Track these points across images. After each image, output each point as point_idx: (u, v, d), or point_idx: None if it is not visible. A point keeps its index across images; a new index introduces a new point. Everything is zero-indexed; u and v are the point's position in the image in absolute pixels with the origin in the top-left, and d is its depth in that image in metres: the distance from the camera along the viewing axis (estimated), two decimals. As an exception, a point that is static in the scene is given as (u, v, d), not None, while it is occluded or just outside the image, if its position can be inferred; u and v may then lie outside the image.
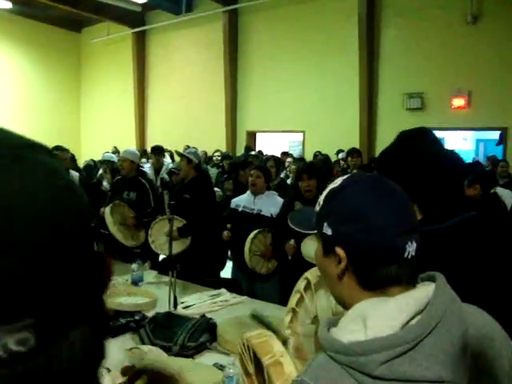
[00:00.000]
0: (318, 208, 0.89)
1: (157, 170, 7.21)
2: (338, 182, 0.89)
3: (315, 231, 0.89)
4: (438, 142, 1.52)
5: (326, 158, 7.69)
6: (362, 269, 0.82)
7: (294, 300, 1.97)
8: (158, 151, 7.43)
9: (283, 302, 3.21)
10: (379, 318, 0.75)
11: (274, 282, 3.98)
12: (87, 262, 0.40)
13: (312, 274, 1.90)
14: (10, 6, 13.23)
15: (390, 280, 0.80)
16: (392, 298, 0.78)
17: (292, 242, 3.57)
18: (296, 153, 11.36)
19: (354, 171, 5.91)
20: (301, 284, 1.96)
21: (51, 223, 0.37)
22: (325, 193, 0.90)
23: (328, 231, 0.84)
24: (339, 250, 0.82)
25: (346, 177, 0.89)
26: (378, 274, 0.80)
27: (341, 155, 8.56)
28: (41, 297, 0.35)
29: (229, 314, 3.02)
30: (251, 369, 1.74)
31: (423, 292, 0.79)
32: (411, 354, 0.71)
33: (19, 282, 0.34)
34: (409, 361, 0.71)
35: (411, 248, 0.80)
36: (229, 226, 4.25)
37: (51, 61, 16.19)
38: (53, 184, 0.39)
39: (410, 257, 0.80)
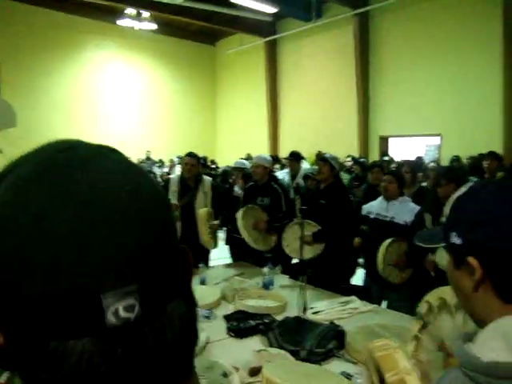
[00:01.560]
0: (444, 219, 0.83)
1: (293, 175, 7.29)
2: (463, 189, 0.82)
3: (443, 244, 0.83)
4: None
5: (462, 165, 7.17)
6: (500, 279, 0.74)
7: (416, 326, 1.85)
8: (295, 157, 7.52)
9: (415, 312, 3.05)
10: None
11: (406, 292, 3.80)
12: (177, 246, 0.44)
13: (433, 297, 1.78)
14: (155, 26, 14.45)
15: None
16: None
17: (432, 257, 3.38)
18: (430, 157, 10.76)
19: (495, 175, 5.43)
20: (422, 309, 1.83)
21: (163, 207, 0.43)
22: (451, 202, 0.83)
23: (457, 241, 0.78)
24: (472, 260, 0.75)
25: (471, 183, 0.82)
26: None
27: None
28: (144, 266, 0.39)
29: (358, 322, 2.95)
30: (375, 382, 1.66)
31: None
32: None
33: (131, 250, 0.38)
34: None
35: None
36: (364, 228, 4.15)
37: (189, 73, 17.34)
38: (148, 176, 0.45)
39: None
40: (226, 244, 5.30)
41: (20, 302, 0.37)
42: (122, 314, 0.37)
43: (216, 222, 4.28)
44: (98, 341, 0.37)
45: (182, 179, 4.42)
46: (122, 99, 16.28)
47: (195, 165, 4.44)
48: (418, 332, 1.83)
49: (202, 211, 4.11)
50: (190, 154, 4.46)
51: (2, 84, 13.78)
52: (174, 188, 4.36)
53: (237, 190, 6.01)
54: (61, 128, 14.64)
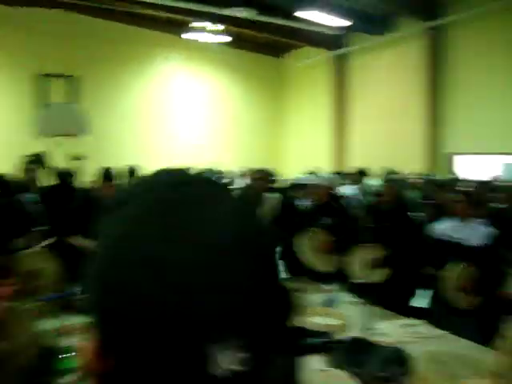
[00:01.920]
0: None
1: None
2: None
3: None
4: None
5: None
6: None
7: (501, 362, 1.70)
8: (360, 173, 7.41)
9: (482, 340, 2.89)
10: None
11: (472, 319, 3.61)
12: (279, 293, 0.43)
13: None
14: (229, 39, 14.70)
15: None
16: None
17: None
18: (507, 177, 10.21)
19: None
20: (507, 344, 1.68)
21: (271, 254, 0.43)
22: None
23: None
24: None
25: None
26: None
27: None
28: (253, 319, 0.38)
29: (424, 347, 2.83)
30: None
31: None
32: None
33: (241, 305, 0.38)
34: None
35: None
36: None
37: (255, 86, 17.52)
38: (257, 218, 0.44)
39: None
40: (281, 259, 5.26)
41: (126, 336, 0.38)
42: (227, 365, 0.37)
43: None
44: None
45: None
46: (187, 111, 16.69)
47: (266, 181, 4.46)
48: (501, 369, 1.68)
49: None
50: (263, 171, 4.48)
51: (81, 94, 14.55)
52: None
53: (302, 204, 5.98)
54: (129, 138, 15.21)
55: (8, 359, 1.72)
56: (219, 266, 0.38)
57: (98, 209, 2.61)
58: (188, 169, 0.47)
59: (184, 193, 0.42)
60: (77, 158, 5.50)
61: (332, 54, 14.84)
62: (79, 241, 3.69)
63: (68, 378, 1.96)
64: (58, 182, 4.08)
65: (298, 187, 6.37)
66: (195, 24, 13.79)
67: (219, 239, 0.39)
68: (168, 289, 0.37)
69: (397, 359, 2.50)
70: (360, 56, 14.32)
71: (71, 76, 14.48)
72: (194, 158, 13.20)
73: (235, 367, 0.37)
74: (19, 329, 2.03)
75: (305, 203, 5.95)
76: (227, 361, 0.36)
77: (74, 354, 2.00)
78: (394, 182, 4.19)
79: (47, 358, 2.14)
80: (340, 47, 14.65)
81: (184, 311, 0.37)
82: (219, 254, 0.38)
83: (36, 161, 3.94)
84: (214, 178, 0.48)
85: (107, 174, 4.51)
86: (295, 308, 0.45)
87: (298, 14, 11.65)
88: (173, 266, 0.37)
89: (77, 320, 2.94)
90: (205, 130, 16.73)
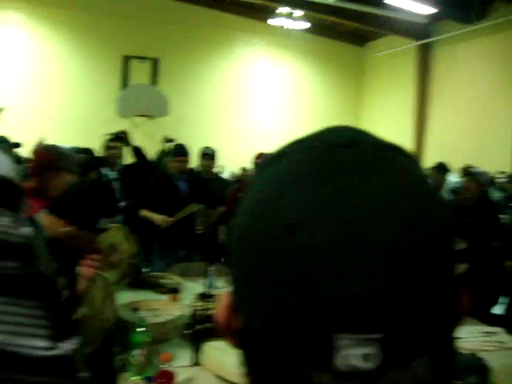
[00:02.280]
0: None
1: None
2: None
3: None
4: None
5: None
6: None
7: None
8: (440, 169, 7.07)
9: None
10: None
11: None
12: (446, 287, 0.35)
13: None
14: (307, 25, 14.55)
15: None
16: None
17: None
18: None
19: None
20: None
21: (422, 232, 0.33)
22: None
23: None
24: None
25: None
26: None
27: None
28: (395, 312, 0.32)
29: (505, 359, 2.63)
30: None
31: None
32: None
33: (381, 291, 0.32)
34: None
35: None
36: None
37: (335, 75, 17.22)
38: (418, 188, 0.35)
39: None
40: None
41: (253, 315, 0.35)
42: (354, 361, 0.31)
43: None
44: (331, 379, 0.32)
45: None
46: (266, 97, 16.70)
47: None
48: None
49: None
50: None
51: (160, 77, 14.94)
52: None
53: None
54: (208, 120, 15.46)
55: (90, 322, 1.82)
56: (369, 253, 0.31)
57: (174, 188, 2.60)
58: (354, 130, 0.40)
59: (350, 155, 0.36)
60: (169, 139, 5.65)
61: (417, 43, 14.22)
62: (153, 216, 3.75)
63: (138, 351, 1.99)
64: (136, 160, 4.18)
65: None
66: (280, 10, 13.73)
67: (376, 221, 0.32)
68: (295, 267, 0.32)
69: (474, 369, 2.34)
70: (447, 46, 13.62)
71: (153, 58, 14.90)
72: (272, 145, 13.18)
73: (360, 364, 0.31)
74: (100, 299, 2.11)
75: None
76: (354, 355, 0.31)
77: (145, 328, 2.03)
78: (478, 177, 3.91)
79: (122, 329, 2.20)
80: (427, 36, 13.99)
81: (322, 291, 0.32)
82: (371, 239, 0.31)
83: (119, 139, 4.04)
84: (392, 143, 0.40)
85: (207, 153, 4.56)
86: (461, 315, 0.38)
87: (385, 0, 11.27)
88: (311, 243, 0.32)
89: (148, 296, 3.01)
90: (283, 117, 16.66)
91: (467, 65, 12.95)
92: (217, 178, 5.16)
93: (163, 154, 6.16)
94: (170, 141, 5.78)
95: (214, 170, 5.11)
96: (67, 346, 0.38)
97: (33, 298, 0.38)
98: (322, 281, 0.31)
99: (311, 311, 0.32)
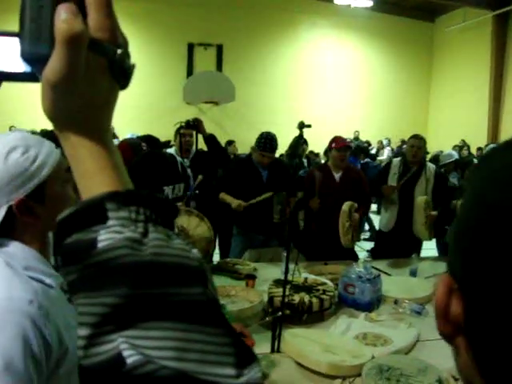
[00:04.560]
0: None
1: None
2: None
3: None
4: None
5: None
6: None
7: None
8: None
9: None
10: None
11: None
12: None
13: None
14: (371, 4, 14.09)
15: None
16: None
17: None
18: None
19: None
20: None
21: None
22: None
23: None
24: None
25: None
26: None
27: None
28: None
29: None
30: None
31: None
32: None
33: None
34: None
35: None
36: None
37: (404, 53, 16.59)
38: None
39: None
40: (435, 237, 4.93)
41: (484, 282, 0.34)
42: None
43: (434, 213, 3.92)
44: None
45: (405, 162, 4.12)
46: (334, 79, 16.36)
47: (421, 148, 4.11)
48: None
49: (420, 199, 3.79)
50: (417, 136, 4.14)
51: (224, 63, 15.02)
52: (395, 171, 4.12)
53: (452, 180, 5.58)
54: (274, 104, 15.39)
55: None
56: None
57: (256, 173, 2.54)
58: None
59: None
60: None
61: (493, 13, 13.35)
62: (230, 200, 3.74)
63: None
64: (210, 148, 4.20)
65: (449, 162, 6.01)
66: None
67: None
68: None
69: None
70: (526, 15, 12.74)
71: (217, 45, 14.98)
72: (340, 126, 12.94)
73: None
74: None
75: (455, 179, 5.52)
76: None
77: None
78: None
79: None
80: (505, 4, 13.07)
81: None
82: None
83: (192, 126, 4.07)
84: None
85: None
86: None
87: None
88: None
89: (225, 282, 3.02)
90: (351, 99, 16.31)
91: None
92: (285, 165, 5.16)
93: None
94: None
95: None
96: (253, 374, 0.37)
97: (214, 325, 0.38)
98: None
99: None
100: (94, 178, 0.42)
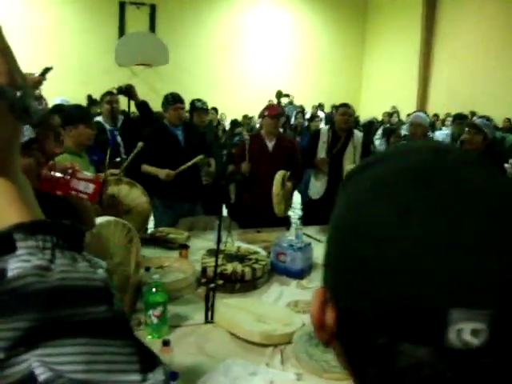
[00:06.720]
0: None
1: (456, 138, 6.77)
2: None
3: None
4: None
5: None
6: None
7: None
8: (459, 118, 6.93)
9: None
10: None
11: None
12: None
13: None
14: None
15: None
16: None
17: None
18: None
19: None
20: None
21: None
22: None
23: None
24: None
25: None
26: None
27: None
28: (507, 288, 0.34)
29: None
30: None
31: None
32: None
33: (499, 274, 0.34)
34: None
35: None
36: None
37: (338, 17, 16.69)
38: None
39: None
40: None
41: (363, 296, 0.38)
42: (466, 336, 0.33)
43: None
44: (432, 354, 0.35)
45: (334, 131, 4.18)
46: (267, 42, 16.21)
47: (352, 116, 4.19)
48: None
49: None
50: (347, 105, 4.20)
51: (158, 24, 14.47)
52: (324, 139, 4.17)
53: (379, 147, 5.74)
54: (208, 68, 15.09)
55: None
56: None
57: (172, 138, 2.49)
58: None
59: (446, 158, 0.40)
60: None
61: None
62: (156, 171, 3.66)
63: (153, 311, 1.98)
64: (139, 113, 4.08)
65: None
66: None
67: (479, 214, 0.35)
68: (410, 250, 0.36)
69: None
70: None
71: (150, 4, 14.39)
72: (272, 90, 12.88)
73: (469, 339, 0.33)
74: (122, 247, 2.11)
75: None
76: (466, 331, 0.33)
77: (159, 290, 2.01)
78: (481, 128, 3.65)
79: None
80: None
81: (435, 269, 0.34)
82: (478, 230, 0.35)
83: (123, 92, 3.93)
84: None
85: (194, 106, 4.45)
86: None
87: None
88: (419, 227, 0.36)
89: (158, 252, 2.99)
90: (283, 63, 16.26)
91: (475, 4, 12.47)
92: (210, 129, 5.12)
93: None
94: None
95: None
96: (157, 377, 0.40)
97: (120, 337, 0.40)
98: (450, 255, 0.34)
99: (428, 286, 0.34)
100: (4, 212, 0.44)
